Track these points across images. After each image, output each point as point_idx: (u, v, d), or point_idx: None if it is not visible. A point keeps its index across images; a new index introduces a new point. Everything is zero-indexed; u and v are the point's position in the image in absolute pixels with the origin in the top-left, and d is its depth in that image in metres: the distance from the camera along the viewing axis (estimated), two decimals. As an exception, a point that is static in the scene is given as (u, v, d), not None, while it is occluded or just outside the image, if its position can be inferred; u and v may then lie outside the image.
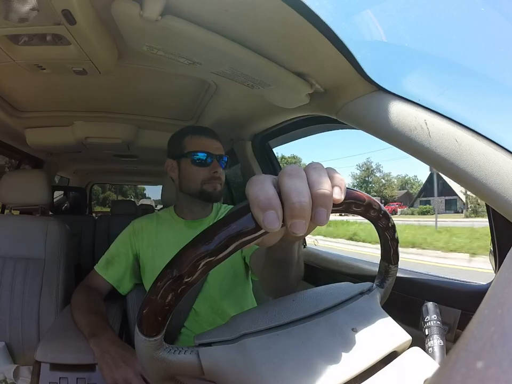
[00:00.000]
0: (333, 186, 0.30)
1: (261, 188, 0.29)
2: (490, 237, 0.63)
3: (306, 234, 0.34)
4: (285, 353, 0.33)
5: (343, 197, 0.31)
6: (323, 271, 1.07)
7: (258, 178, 0.30)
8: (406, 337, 0.38)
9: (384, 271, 0.46)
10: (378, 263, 0.47)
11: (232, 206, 1.05)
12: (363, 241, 11.48)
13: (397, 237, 0.43)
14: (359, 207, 0.35)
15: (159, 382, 0.37)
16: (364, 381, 0.32)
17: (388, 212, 0.40)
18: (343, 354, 0.34)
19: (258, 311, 0.40)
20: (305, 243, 1.30)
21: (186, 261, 0.29)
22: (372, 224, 0.41)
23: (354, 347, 0.34)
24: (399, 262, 0.46)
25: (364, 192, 0.36)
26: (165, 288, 0.30)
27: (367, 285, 0.46)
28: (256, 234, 0.29)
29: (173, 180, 0.97)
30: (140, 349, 0.34)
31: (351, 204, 0.34)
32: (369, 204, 0.36)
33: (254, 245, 0.87)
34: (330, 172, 0.32)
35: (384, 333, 0.37)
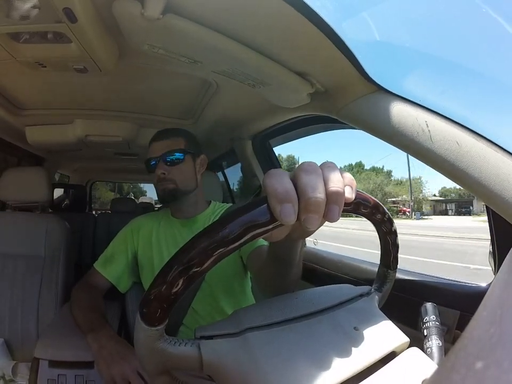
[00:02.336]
0: (344, 186, 0.31)
1: (279, 180, 0.30)
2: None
3: (315, 230, 0.34)
4: (288, 349, 0.34)
5: (354, 197, 0.32)
6: (322, 271, 1.07)
7: (276, 171, 0.31)
8: (404, 338, 0.38)
9: (383, 276, 0.47)
10: (378, 263, 0.48)
11: (230, 205, 1.05)
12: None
13: (398, 243, 0.43)
14: (366, 209, 0.36)
15: (156, 376, 0.37)
16: (362, 380, 0.32)
17: (391, 217, 0.40)
18: (346, 352, 0.34)
19: (262, 307, 0.40)
20: (305, 242, 1.30)
21: (198, 250, 0.29)
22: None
23: (356, 345, 0.35)
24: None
25: (370, 195, 0.37)
26: (173, 276, 0.30)
27: (366, 288, 0.46)
28: (270, 226, 0.30)
29: None
30: (140, 339, 0.33)
31: (359, 205, 0.35)
32: (376, 206, 0.37)
33: (252, 245, 0.87)
34: (341, 172, 0.33)
35: (384, 333, 0.38)
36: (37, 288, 1.12)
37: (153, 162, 0.89)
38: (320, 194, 0.29)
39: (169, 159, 0.89)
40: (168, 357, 0.34)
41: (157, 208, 3.34)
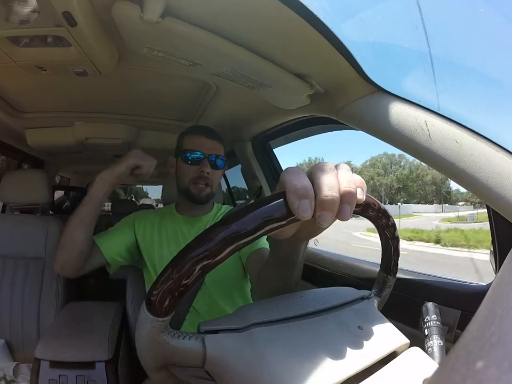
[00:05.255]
0: (356, 187, 0.33)
1: (298, 177, 0.31)
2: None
3: (325, 228, 0.36)
4: (293, 345, 0.34)
5: (364, 198, 0.33)
6: (323, 271, 1.07)
7: (294, 169, 0.32)
8: (404, 340, 0.38)
9: (382, 281, 0.47)
10: (378, 263, 0.48)
11: (232, 208, 1.05)
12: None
13: (399, 249, 0.43)
14: (373, 212, 0.37)
15: (154, 371, 0.37)
16: (364, 380, 0.32)
17: (395, 222, 0.41)
18: (351, 349, 0.34)
19: (268, 303, 0.40)
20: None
21: (215, 240, 0.29)
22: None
23: (361, 343, 0.35)
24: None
25: (377, 200, 0.37)
26: (186, 267, 0.29)
27: (367, 292, 0.46)
28: (285, 221, 0.30)
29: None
30: (144, 330, 0.33)
31: (368, 207, 0.36)
32: (382, 210, 0.38)
33: (252, 246, 0.86)
34: (353, 174, 0.34)
35: (386, 334, 0.38)
36: (37, 290, 1.12)
37: (199, 156, 0.89)
38: (336, 193, 0.31)
39: (214, 162, 0.90)
40: (171, 350, 0.33)
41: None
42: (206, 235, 0.30)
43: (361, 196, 0.33)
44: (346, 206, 0.32)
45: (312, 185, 0.31)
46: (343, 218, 0.32)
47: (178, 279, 0.30)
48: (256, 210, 0.30)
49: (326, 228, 0.35)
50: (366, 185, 0.34)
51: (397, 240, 0.42)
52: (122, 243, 0.92)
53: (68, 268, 0.83)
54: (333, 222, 0.34)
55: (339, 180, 0.32)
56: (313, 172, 0.32)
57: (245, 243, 0.29)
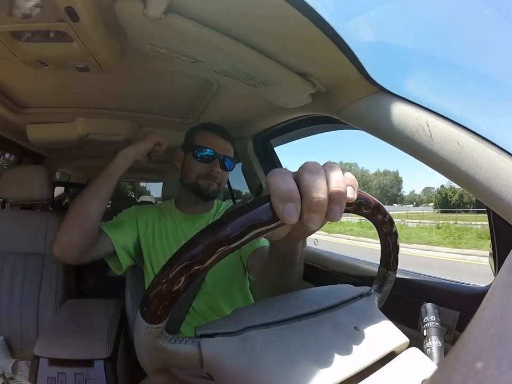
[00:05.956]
0: (346, 186, 0.32)
1: (283, 180, 0.30)
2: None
3: (316, 230, 0.35)
4: (289, 348, 0.34)
5: (355, 197, 0.32)
6: (323, 271, 1.07)
7: (280, 171, 0.31)
8: (404, 339, 0.38)
9: (383, 277, 0.47)
10: (378, 263, 0.48)
11: (232, 204, 1.05)
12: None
13: (398, 244, 0.43)
14: (367, 209, 0.37)
15: (155, 374, 0.37)
16: (362, 380, 0.32)
17: (392, 217, 0.40)
18: (346, 351, 0.34)
19: (263, 305, 0.40)
20: (305, 243, 1.30)
21: (200, 247, 0.29)
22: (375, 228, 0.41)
23: (357, 345, 0.35)
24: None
25: (371, 196, 0.37)
26: (174, 274, 0.29)
27: (366, 288, 0.46)
28: (272, 225, 0.30)
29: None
30: (140, 337, 0.33)
31: (360, 205, 0.36)
32: (377, 207, 0.38)
33: (253, 245, 0.87)
34: (343, 172, 0.33)
35: (384, 333, 0.38)
36: (37, 286, 1.12)
37: (211, 155, 0.89)
38: (323, 195, 0.30)
39: (225, 163, 0.91)
40: (168, 354, 0.34)
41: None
42: (192, 242, 0.30)
43: (352, 194, 0.32)
44: (335, 207, 0.31)
45: (299, 187, 0.30)
46: (333, 219, 0.31)
47: (168, 287, 0.30)
48: (242, 216, 0.29)
49: (316, 230, 0.34)
50: (357, 183, 0.33)
51: (395, 235, 0.42)
52: (129, 236, 0.90)
53: (72, 250, 0.75)
54: (323, 223, 0.33)
55: (328, 180, 0.31)
56: (300, 172, 0.31)
57: (232, 249, 0.29)
